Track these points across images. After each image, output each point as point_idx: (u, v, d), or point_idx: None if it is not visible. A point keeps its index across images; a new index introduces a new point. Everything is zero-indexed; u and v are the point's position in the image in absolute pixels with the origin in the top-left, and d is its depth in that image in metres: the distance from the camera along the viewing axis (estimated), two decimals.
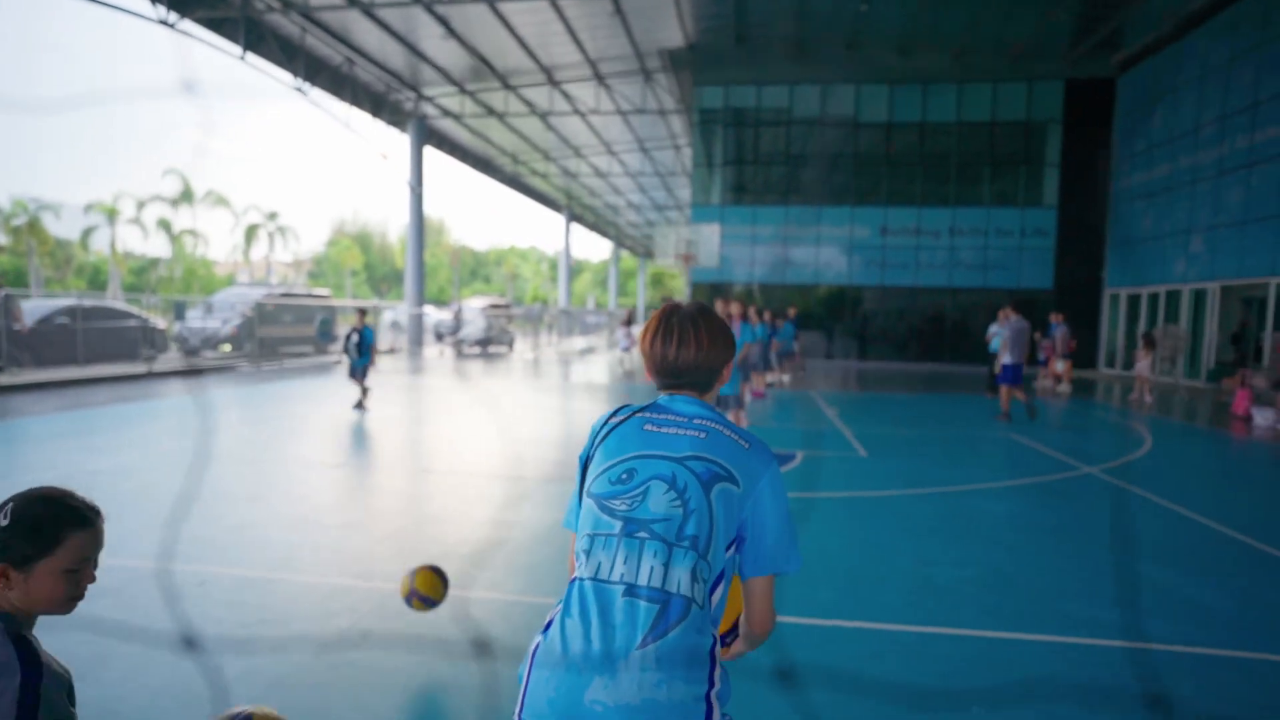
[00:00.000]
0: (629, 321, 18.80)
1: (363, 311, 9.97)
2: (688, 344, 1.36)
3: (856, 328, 21.09)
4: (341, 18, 16.43)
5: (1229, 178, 14.79)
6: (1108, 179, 19.50)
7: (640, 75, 20.25)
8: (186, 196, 40.08)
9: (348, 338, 9.80)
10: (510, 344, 24.71)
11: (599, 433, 1.38)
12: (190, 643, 2.89)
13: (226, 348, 17.57)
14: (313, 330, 19.76)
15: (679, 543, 1.22)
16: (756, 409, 10.16)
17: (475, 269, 70.40)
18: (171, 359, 15.98)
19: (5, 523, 1.10)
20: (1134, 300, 18.14)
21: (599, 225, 49.37)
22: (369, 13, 15.75)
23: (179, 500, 5.04)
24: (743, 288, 20.97)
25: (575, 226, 45.65)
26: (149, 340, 14.28)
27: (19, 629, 1.11)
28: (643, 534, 1.23)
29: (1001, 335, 9.86)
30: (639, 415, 1.36)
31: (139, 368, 13.49)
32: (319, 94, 19.17)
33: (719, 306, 7.83)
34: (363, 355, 9.54)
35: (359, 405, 9.42)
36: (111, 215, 36.94)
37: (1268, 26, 13.85)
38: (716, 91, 20.79)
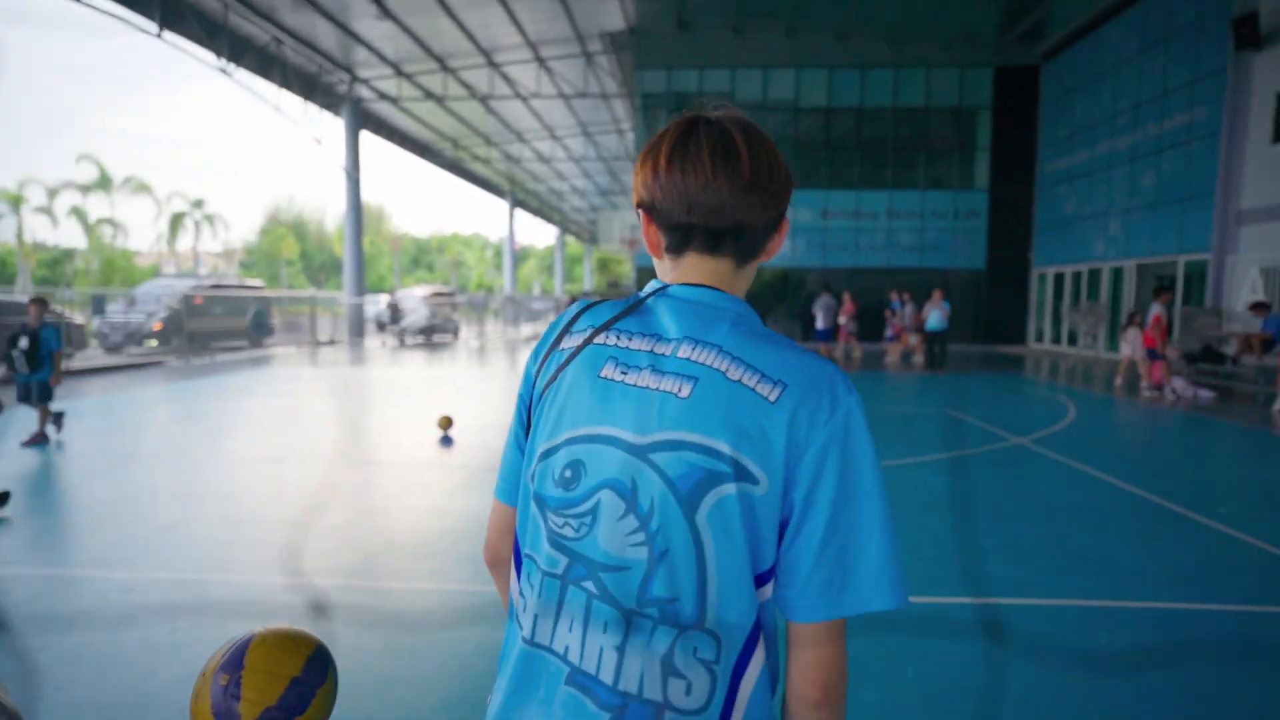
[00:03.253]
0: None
1: (41, 302, 6.62)
2: (729, 165, 0.79)
3: (799, 309, 21.50)
4: None
5: (1141, 162, 15.59)
6: (1034, 163, 20.32)
7: (581, 58, 20.02)
8: (103, 183, 37.84)
9: (13, 341, 6.42)
10: (455, 332, 24.31)
11: (542, 356, 0.87)
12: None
13: (152, 343, 16.74)
14: (245, 323, 19.02)
15: (642, 610, 0.75)
16: None
17: (417, 257, 68.75)
18: (91, 355, 15.14)
19: None
20: (1059, 278, 19.01)
21: (543, 211, 48.81)
22: None
23: (100, 503, 4.80)
24: None
25: (519, 212, 45.02)
26: (65, 337, 13.49)
27: None
28: (588, 584, 0.77)
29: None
30: (602, 343, 0.81)
31: None
32: (245, 75, 18.31)
33: None
34: (40, 368, 6.46)
35: (36, 440, 6.39)
36: (16, 203, 34.61)
37: (1173, 19, 14.60)
38: (659, 75, 20.74)
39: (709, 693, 0.74)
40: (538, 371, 0.86)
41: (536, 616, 0.80)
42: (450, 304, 24.84)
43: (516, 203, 42.78)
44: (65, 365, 12.72)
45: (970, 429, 7.61)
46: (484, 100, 22.14)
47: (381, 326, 23.50)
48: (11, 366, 6.33)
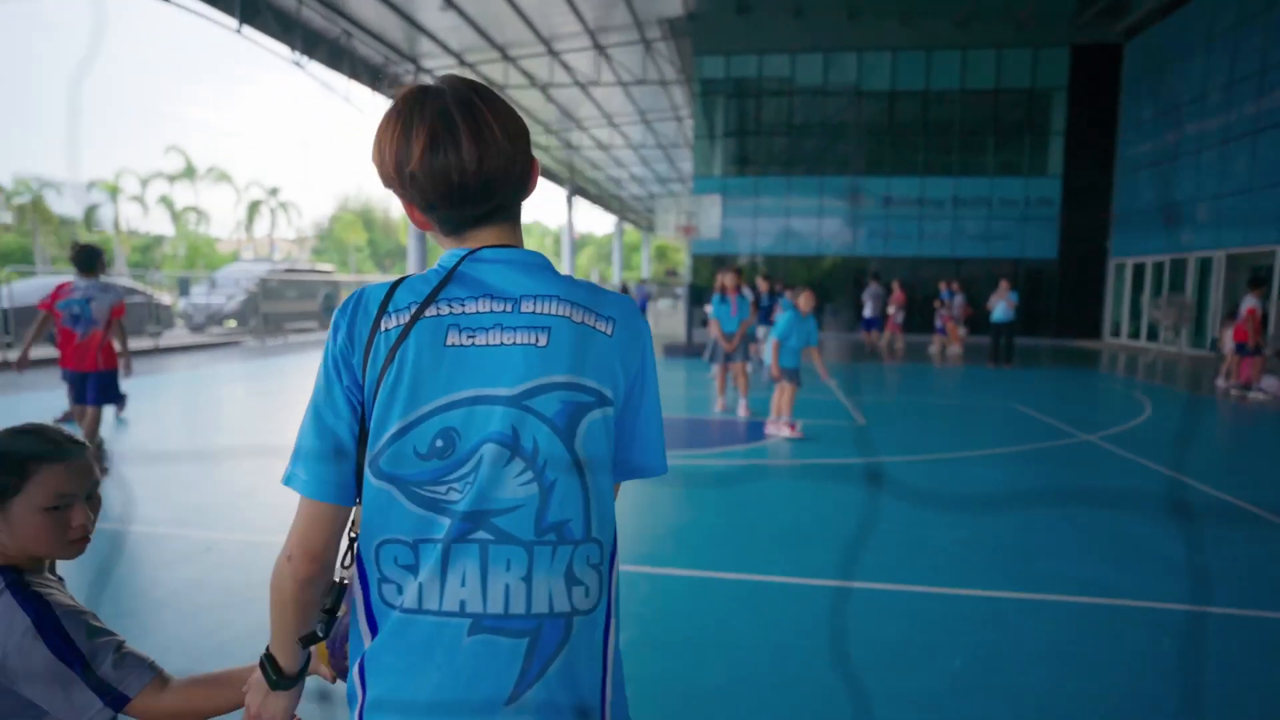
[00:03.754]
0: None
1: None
2: (480, 137, 0.83)
3: (852, 298, 21.05)
4: None
5: (1235, 145, 14.59)
6: (1113, 147, 19.26)
7: (640, 45, 19.97)
8: (189, 173, 39.96)
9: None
10: None
11: (367, 342, 0.84)
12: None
13: (231, 323, 17.69)
14: (317, 305, 19.86)
15: (542, 539, 0.83)
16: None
17: None
18: (178, 334, 16.11)
19: None
20: (1139, 269, 18.03)
21: (602, 198, 49.04)
22: None
23: (182, 469, 5.15)
24: (746, 260, 20.90)
25: (578, 200, 45.37)
26: (155, 316, 14.38)
27: (19, 576, 1.02)
28: (482, 534, 0.82)
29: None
30: (435, 315, 0.84)
31: (146, 343, 13.60)
32: (317, 67, 19.01)
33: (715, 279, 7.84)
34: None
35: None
36: (114, 193, 36.91)
37: None
38: (718, 61, 20.51)
39: (599, 590, 0.88)
40: (366, 358, 0.84)
41: (422, 585, 0.82)
42: None
43: (575, 190, 43.12)
44: (154, 344, 13.57)
45: (1036, 424, 7.35)
46: (544, 89, 22.36)
47: None
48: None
